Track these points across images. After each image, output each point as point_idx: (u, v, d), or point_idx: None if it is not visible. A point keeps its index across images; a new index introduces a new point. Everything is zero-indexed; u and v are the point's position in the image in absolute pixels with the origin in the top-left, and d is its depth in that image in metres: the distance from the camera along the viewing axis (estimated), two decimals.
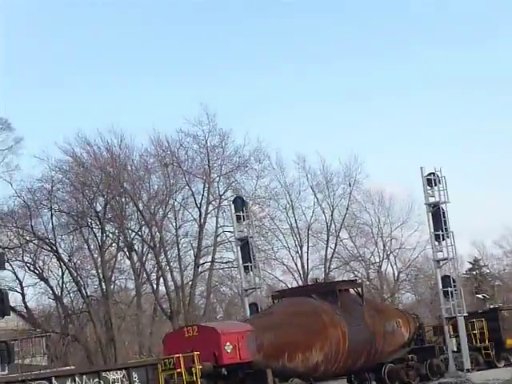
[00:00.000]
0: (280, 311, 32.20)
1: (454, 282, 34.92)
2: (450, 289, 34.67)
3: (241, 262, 37.82)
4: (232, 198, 40.58)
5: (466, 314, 35.02)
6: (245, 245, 37.88)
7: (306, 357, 30.45)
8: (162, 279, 51.39)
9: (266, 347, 29.20)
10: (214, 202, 52.61)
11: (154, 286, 51.91)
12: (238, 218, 38.03)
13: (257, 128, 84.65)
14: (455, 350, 34.31)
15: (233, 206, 38.66)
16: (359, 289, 35.17)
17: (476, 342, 36.74)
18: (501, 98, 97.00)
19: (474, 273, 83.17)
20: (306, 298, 32.92)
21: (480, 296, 74.65)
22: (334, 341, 31.15)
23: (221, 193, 52.34)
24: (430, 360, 34.22)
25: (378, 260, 68.18)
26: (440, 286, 35.11)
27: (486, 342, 37.11)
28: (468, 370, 33.97)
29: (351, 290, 34.66)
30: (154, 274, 51.95)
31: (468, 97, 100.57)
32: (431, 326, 40.34)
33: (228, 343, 28.30)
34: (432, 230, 35.23)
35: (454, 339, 34.34)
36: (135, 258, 51.15)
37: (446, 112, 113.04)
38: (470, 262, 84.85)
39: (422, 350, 34.56)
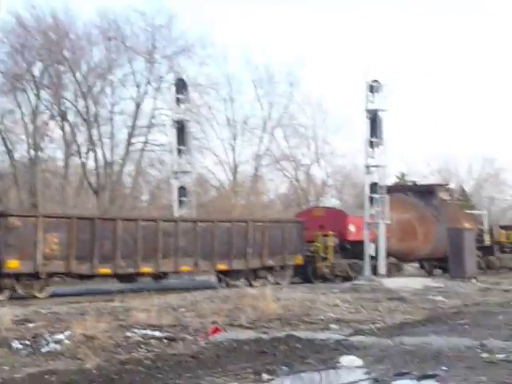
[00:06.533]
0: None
1: (380, 189, 35.52)
2: (376, 195, 35.28)
3: (175, 143, 37.69)
4: (173, 81, 40.27)
5: (388, 222, 35.71)
6: (181, 128, 37.80)
7: (403, 243, 37.70)
8: (92, 154, 51.06)
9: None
10: (153, 83, 52.14)
11: (84, 159, 51.49)
12: (178, 100, 37.86)
13: (206, 14, 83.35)
14: (373, 254, 35.11)
15: (174, 88, 38.47)
16: (449, 193, 42.06)
17: None
18: None
19: None
20: (404, 195, 40.25)
21: None
22: (425, 234, 38.66)
23: (162, 75, 51.98)
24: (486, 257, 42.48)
25: (308, 162, 69.02)
26: (367, 191, 35.65)
27: None
28: (382, 276, 34.68)
29: (441, 193, 40.91)
30: (84, 148, 51.45)
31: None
32: None
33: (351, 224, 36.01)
34: (368, 137, 35.56)
35: (373, 244, 35.08)
36: (68, 128, 50.51)
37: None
38: (398, 177, 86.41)
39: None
